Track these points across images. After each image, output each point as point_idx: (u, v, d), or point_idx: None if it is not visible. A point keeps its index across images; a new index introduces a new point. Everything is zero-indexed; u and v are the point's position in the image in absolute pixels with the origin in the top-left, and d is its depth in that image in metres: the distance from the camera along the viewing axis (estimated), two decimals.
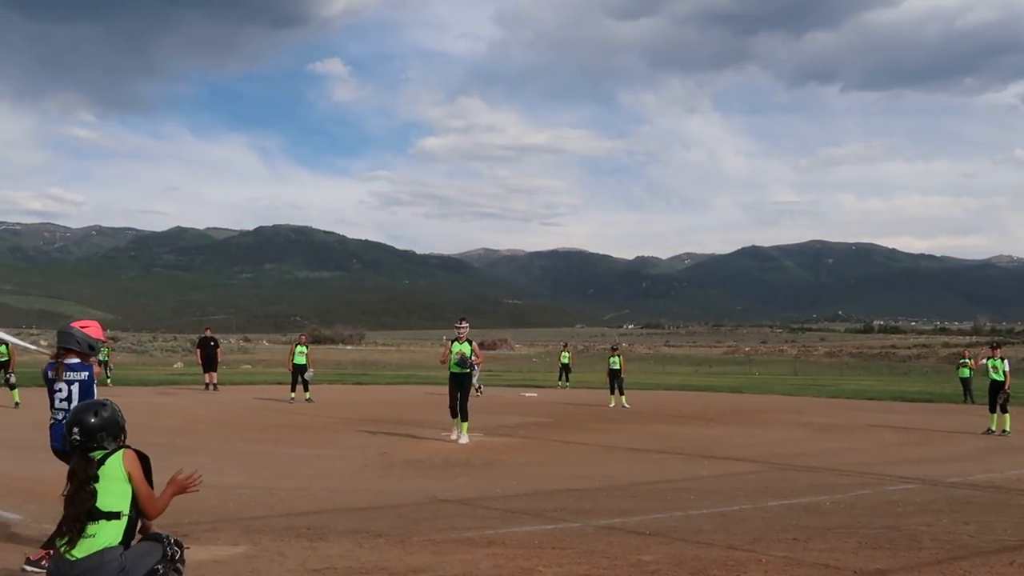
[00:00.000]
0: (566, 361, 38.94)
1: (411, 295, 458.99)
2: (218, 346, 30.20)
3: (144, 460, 5.02)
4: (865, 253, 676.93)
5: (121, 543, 4.83)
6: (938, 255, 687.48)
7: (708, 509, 9.11)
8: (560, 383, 37.16)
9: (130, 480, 4.89)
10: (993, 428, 18.26)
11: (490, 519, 8.40)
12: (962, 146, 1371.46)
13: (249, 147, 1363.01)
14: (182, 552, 5.13)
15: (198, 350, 30.00)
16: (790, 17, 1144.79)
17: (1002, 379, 18.36)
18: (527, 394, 30.74)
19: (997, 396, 18.30)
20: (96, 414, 5.00)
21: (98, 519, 4.78)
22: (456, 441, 15.19)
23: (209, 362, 28.77)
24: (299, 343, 25.72)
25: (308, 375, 24.99)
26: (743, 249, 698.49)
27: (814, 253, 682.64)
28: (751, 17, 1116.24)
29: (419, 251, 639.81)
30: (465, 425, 15.41)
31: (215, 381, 28.54)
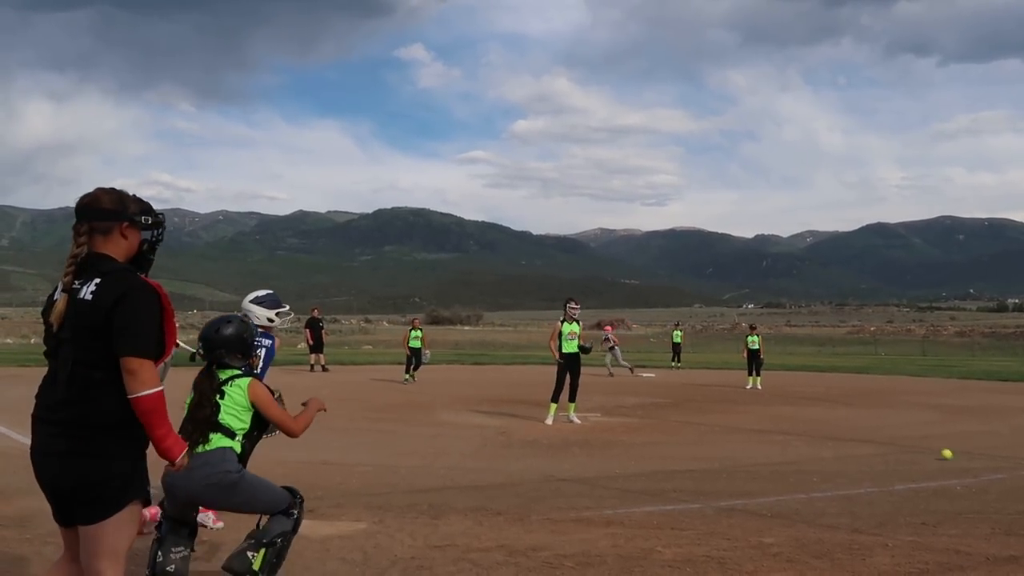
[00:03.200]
0: (678, 340, 38.40)
1: (527, 276, 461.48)
2: (324, 327, 30.63)
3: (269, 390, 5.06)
4: (999, 229, 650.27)
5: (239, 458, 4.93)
6: None
7: (832, 492, 8.92)
8: (672, 364, 36.62)
9: (255, 407, 4.95)
10: None
11: (608, 499, 8.40)
12: None
13: (343, 132, 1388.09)
14: (301, 509, 5.08)
15: (307, 330, 29.98)
16: None
17: None
18: (645, 374, 30.54)
19: None
20: (218, 330, 5.07)
21: (218, 431, 4.89)
22: (551, 423, 15.07)
23: (317, 343, 29.26)
24: (413, 327, 26.11)
25: (425, 358, 25.38)
26: (868, 226, 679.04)
27: (943, 230, 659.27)
28: None
29: (535, 232, 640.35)
30: (554, 407, 15.27)
31: (323, 362, 29.07)
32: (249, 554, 4.84)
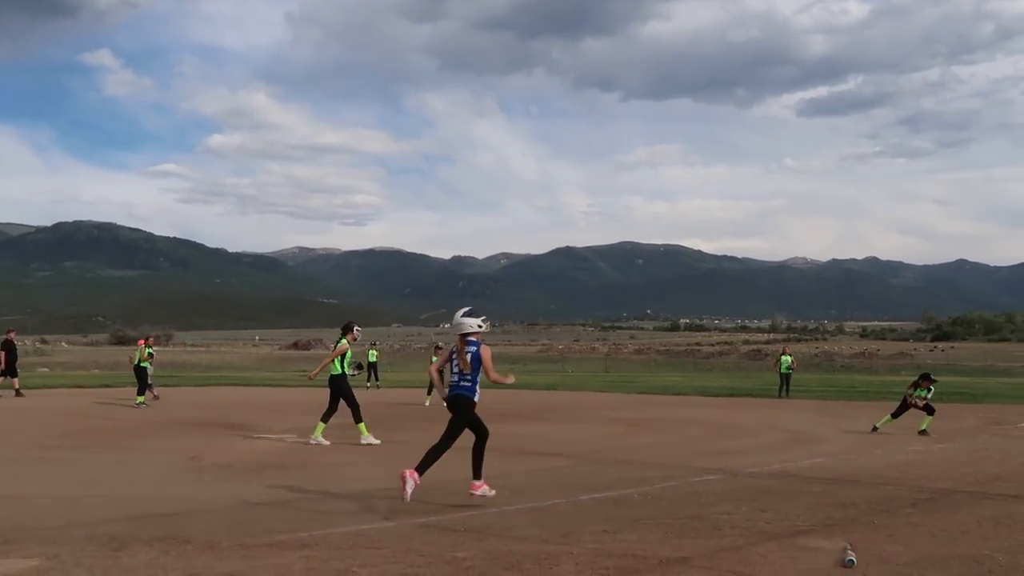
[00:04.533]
0: (373, 360, 38.32)
1: (222, 294, 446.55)
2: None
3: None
4: (673, 254, 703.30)
5: None
6: (739, 256, 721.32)
7: (522, 505, 9.25)
8: (368, 383, 36.50)
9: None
10: (877, 426, 18.47)
11: (304, 521, 8.25)
12: (737, 153, 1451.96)
13: (19, 139, 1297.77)
14: None
15: (2, 353, 27.35)
16: (567, 24, 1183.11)
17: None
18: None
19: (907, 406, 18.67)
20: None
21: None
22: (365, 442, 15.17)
23: (10, 367, 26.99)
24: (146, 345, 24.66)
25: (150, 374, 24.14)
26: (558, 249, 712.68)
27: (624, 254, 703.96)
28: (532, 21, 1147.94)
29: (231, 249, 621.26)
30: (361, 427, 15.34)
31: (16, 387, 26.88)
32: None
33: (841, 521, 8.49)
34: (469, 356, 9.35)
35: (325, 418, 15.31)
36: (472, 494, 9.36)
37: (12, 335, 28.03)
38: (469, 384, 9.47)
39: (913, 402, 18.63)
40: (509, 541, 7.39)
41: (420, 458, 9.38)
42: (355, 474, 11.81)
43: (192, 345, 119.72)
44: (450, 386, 9.61)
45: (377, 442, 15.13)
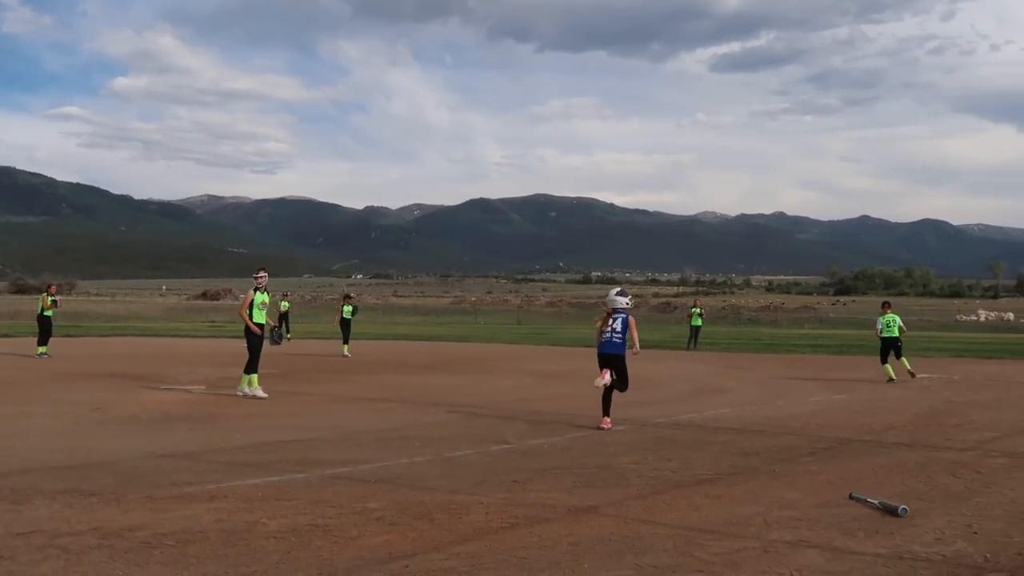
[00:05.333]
0: (285, 310, 37.72)
1: (128, 242, 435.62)
2: None
3: None
4: (586, 207, 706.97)
5: None
6: (651, 210, 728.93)
7: (433, 456, 9.30)
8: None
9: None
10: (894, 376, 19.29)
11: (212, 473, 8.18)
12: (651, 108, 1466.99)
13: None
14: None
15: None
16: None
17: (897, 334, 19.90)
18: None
19: (892, 348, 19.79)
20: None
21: None
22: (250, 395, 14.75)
23: None
24: (49, 293, 23.91)
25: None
26: (472, 201, 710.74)
27: (538, 206, 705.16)
28: None
29: (137, 196, 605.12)
30: (251, 378, 14.92)
31: None
32: None
33: (744, 470, 8.74)
34: (620, 323, 12.16)
35: (248, 368, 14.93)
36: (601, 428, 11.75)
37: None
38: (620, 342, 12.15)
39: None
40: (419, 491, 7.44)
41: (599, 406, 12.01)
42: (264, 425, 11.71)
43: (96, 294, 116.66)
44: (603, 343, 12.22)
45: (264, 396, 14.62)
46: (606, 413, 11.98)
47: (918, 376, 19.79)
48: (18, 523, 6.18)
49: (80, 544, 5.70)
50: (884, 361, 19.84)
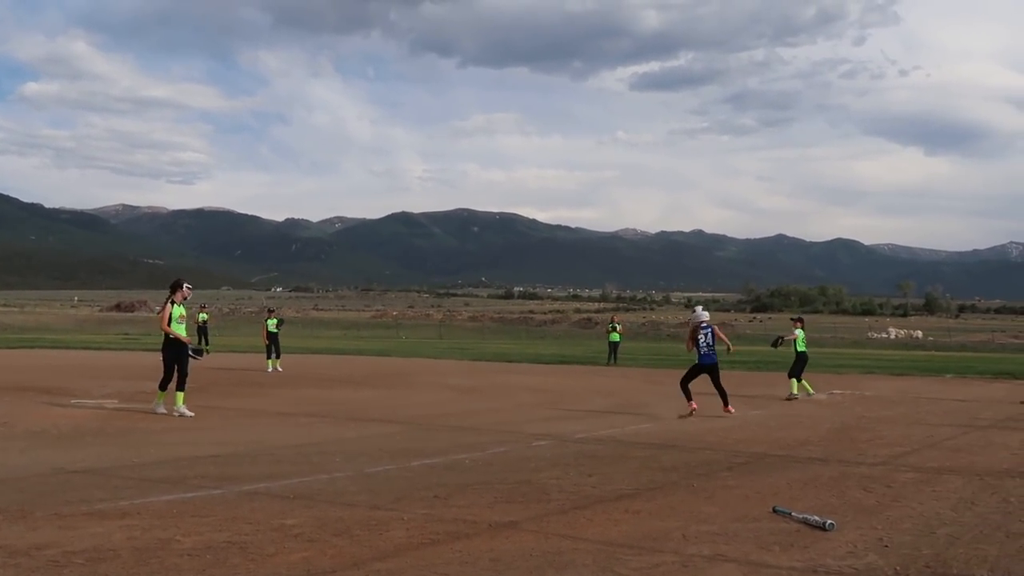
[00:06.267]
0: (202, 322, 37.03)
1: (38, 252, 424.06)
2: None
3: None
4: (508, 222, 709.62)
5: None
6: (572, 226, 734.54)
7: (353, 471, 9.21)
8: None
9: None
10: (795, 392, 19.19)
11: (125, 489, 7.98)
12: (572, 124, 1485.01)
13: None
14: None
15: None
16: None
17: (804, 348, 19.85)
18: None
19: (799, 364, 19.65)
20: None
21: None
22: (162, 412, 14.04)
23: None
24: None
25: None
26: (394, 215, 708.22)
27: (461, 221, 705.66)
28: None
29: (48, 205, 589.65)
30: (179, 395, 14.10)
31: None
32: None
33: (663, 484, 8.82)
34: (710, 335, 15.16)
35: (179, 386, 14.14)
36: (728, 412, 15.11)
37: None
38: (713, 352, 15.21)
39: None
40: (339, 507, 7.35)
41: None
42: (180, 440, 11.47)
43: (4, 305, 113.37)
44: (701, 356, 15.22)
45: (191, 414, 13.88)
46: (726, 404, 15.18)
47: (832, 393, 20.12)
48: None
49: None
50: (793, 376, 19.65)
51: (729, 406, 15.18)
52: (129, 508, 7.14)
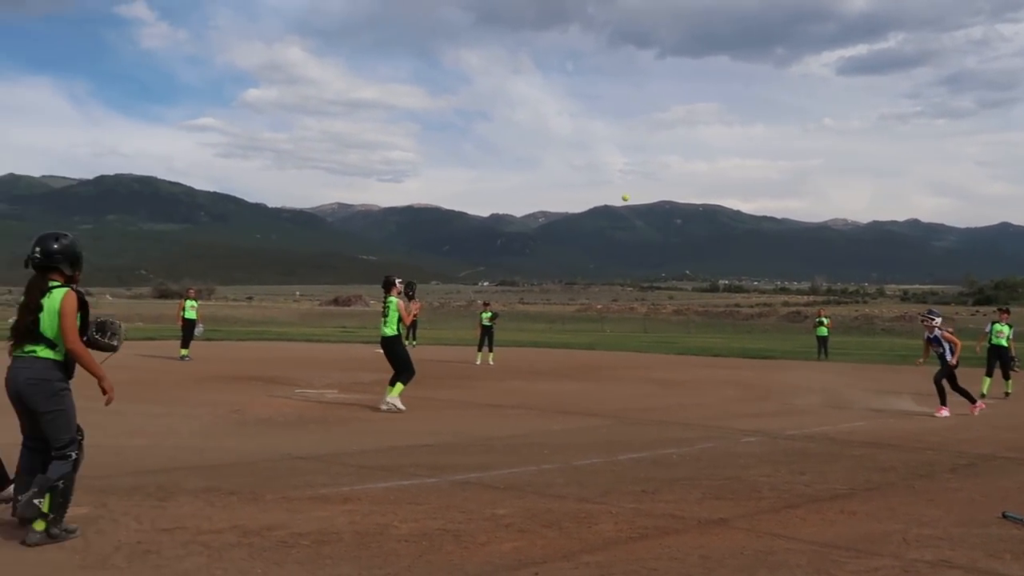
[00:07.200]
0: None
1: (262, 249, 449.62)
2: None
3: (83, 303, 5.92)
4: (711, 214, 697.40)
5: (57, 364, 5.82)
6: (778, 217, 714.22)
7: (561, 463, 9.30)
8: (407, 341, 36.39)
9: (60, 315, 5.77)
10: (985, 392, 17.70)
11: (345, 476, 8.37)
12: (776, 113, 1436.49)
13: (56, 91, 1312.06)
14: (81, 448, 5.99)
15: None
16: None
17: (997, 342, 18.55)
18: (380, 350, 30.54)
19: (1000, 360, 18.51)
20: (57, 239, 5.96)
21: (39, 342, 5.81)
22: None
23: None
24: (188, 297, 24.85)
25: (198, 331, 24.31)
26: (595, 209, 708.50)
27: (663, 213, 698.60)
28: None
29: (270, 204, 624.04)
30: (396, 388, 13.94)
31: None
32: (36, 501, 5.61)
33: (880, 485, 8.46)
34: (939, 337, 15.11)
35: (393, 381, 14.03)
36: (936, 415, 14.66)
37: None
38: (945, 353, 14.84)
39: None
40: (548, 499, 7.44)
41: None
42: (395, 429, 11.91)
43: (234, 300, 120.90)
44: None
45: (402, 408, 13.70)
46: (943, 402, 14.78)
47: None
48: (163, 519, 6.43)
49: (221, 541, 5.90)
50: (989, 374, 18.30)
51: (943, 408, 14.78)
52: (350, 494, 7.47)
